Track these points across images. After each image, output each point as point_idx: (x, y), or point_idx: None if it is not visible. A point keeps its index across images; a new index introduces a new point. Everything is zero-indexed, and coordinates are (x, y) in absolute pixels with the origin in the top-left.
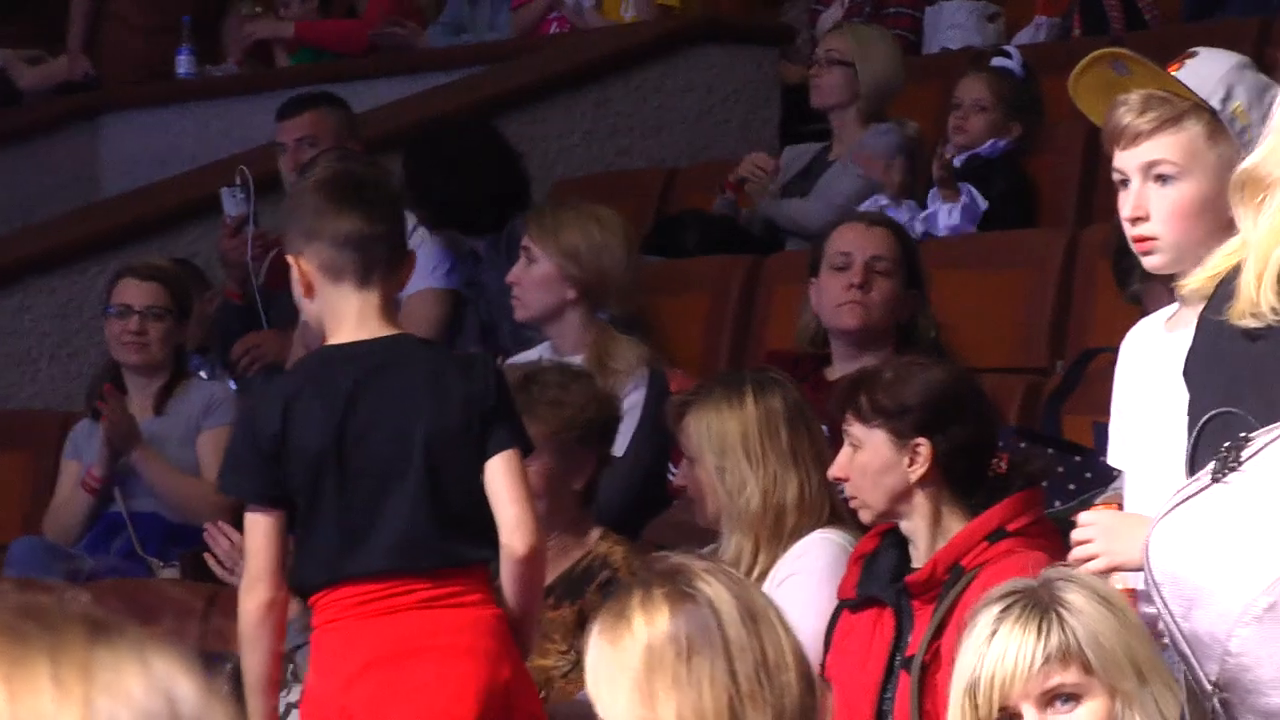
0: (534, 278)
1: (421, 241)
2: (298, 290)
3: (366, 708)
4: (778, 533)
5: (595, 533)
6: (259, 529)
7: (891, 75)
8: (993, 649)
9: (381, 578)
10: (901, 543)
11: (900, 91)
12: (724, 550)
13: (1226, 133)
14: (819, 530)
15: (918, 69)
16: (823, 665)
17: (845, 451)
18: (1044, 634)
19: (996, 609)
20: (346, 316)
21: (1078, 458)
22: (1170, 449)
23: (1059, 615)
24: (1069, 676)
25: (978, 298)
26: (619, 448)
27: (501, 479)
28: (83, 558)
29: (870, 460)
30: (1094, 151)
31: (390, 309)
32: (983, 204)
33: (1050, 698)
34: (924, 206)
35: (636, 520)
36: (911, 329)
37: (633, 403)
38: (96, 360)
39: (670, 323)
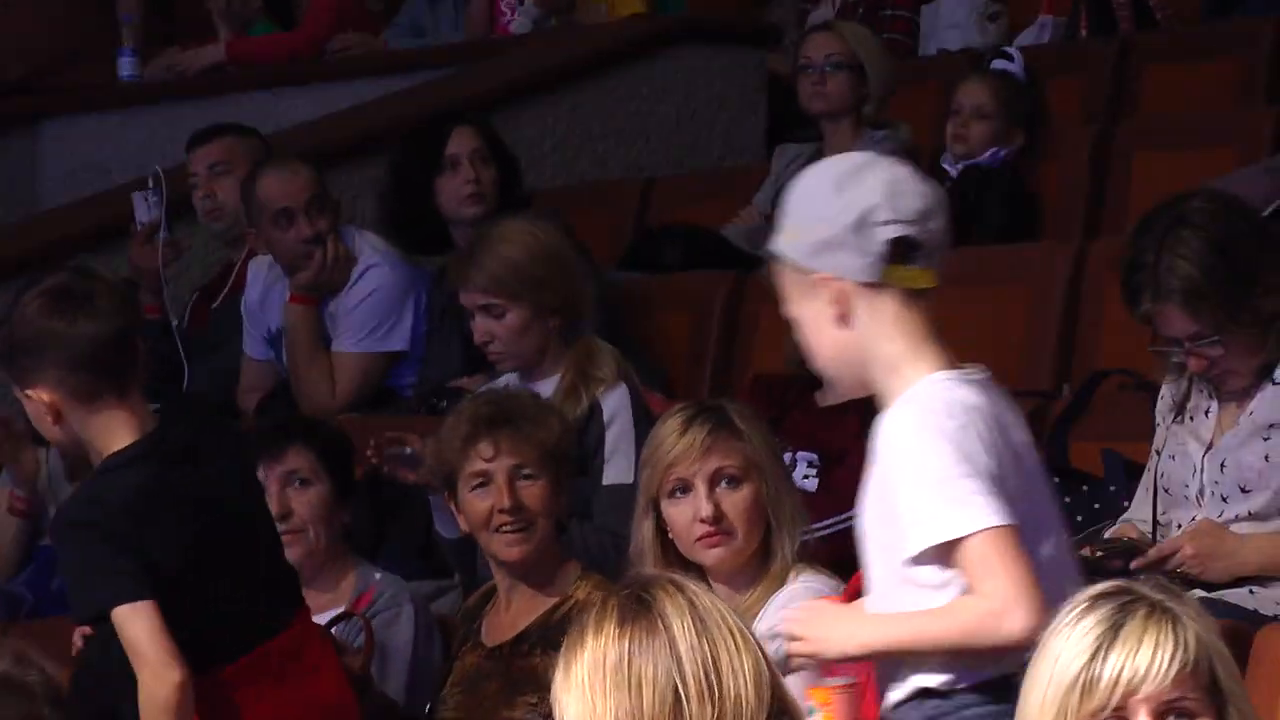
0: (511, 328)
1: (374, 289)
2: (44, 424)
3: None
4: (771, 578)
5: (572, 571)
6: (149, 616)
7: (891, 75)
8: (1123, 646)
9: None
10: None
11: (892, 94)
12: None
13: None
14: (801, 577)
15: (914, 71)
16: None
17: None
18: (1180, 644)
19: (1110, 605)
20: (119, 426)
21: (1085, 487)
22: None
23: (1187, 629)
24: (1192, 693)
25: (979, 315)
26: (620, 471)
27: None
28: (22, 593)
29: None
30: (1101, 160)
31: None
32: None
33: (1168, 710)
34: None
35: None
36: None
37: (613, 409)
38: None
39: (650, 343)
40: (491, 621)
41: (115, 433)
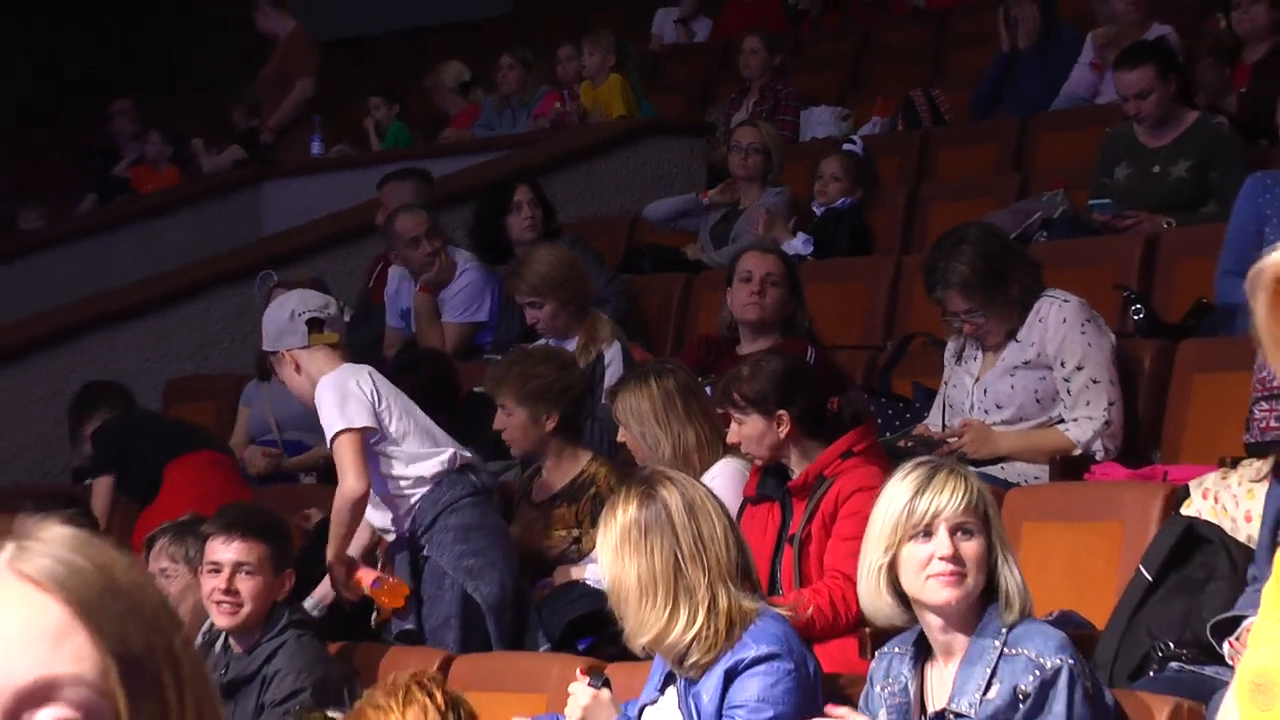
0: (548, 313)
1: (467, 284)
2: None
3: None
4: (689, 469)
5: (586, 457)
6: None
7: (783, 155)
8: (933, 489)
9: None
10: None
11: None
12: None
13: None
14: (723, 460)
15: (796, 152)
16: None
17: (734, 426)
18: (967, 489)
19: (925, 467)
20: None
21: (901, 404)
22: None
23: (970, 481)
24: (974, 519)
25: (836, 300)
26: None
27: None
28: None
29: (751, 432)
30: (911, 206)
31: None
32: (806, 247)
33: (958, 528)
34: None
35: None
36: (793, 321)
37: (611, 357)
38: (259, 343)
39: (634, 318)
40: (537, 485)
41: None
